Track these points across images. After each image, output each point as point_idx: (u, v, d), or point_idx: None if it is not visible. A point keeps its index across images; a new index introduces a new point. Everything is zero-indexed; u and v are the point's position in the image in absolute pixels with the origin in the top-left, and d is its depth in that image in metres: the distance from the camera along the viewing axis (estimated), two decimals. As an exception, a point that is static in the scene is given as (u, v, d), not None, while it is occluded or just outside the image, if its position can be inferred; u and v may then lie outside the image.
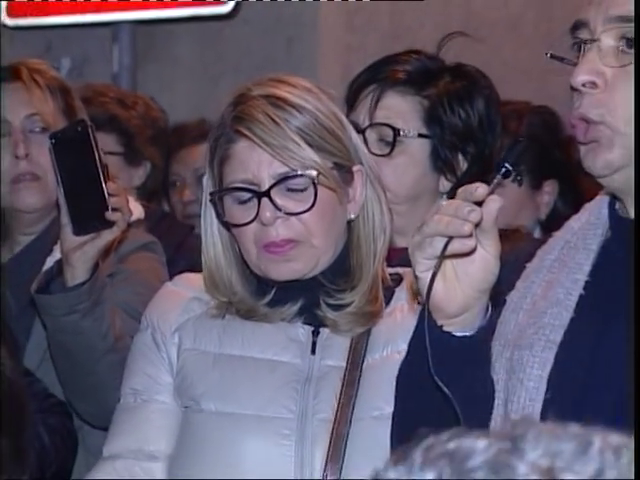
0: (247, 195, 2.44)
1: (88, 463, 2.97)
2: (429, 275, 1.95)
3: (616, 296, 2.00)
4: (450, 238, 1.93)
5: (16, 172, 3.13)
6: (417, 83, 2.83)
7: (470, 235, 1.93)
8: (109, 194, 2.82)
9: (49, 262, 3.03)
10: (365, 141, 2.77)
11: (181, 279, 2.63)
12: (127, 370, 2.59)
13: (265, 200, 2.41)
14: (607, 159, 1.97)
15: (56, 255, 3.00)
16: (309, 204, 2.42)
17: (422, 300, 2.02)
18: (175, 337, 2.52)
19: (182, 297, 2.56)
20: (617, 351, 1.96)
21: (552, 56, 2.06)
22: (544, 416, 1.95)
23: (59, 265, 2.89)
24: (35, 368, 3.00)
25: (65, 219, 2.84)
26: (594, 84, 1.96)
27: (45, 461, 2.69)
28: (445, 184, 2.84)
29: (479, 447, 1.09)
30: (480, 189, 1.94)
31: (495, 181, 1.98)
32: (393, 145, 2.79)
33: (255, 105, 2.42)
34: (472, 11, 4.96)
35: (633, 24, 1.94)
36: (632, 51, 1.94)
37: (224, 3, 4.52)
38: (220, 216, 2.49)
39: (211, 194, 2.49)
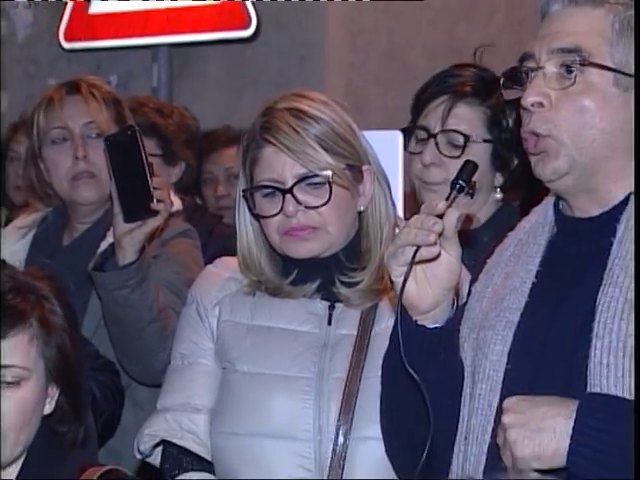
0: (273, 191, 2.43)
1: (136, 414, 3.00)
2: (402, 279, 1.96)
3: (563, 282, 1.99)
4: (418, 247, 1.95)
5: (75, 171, 3.12)
6: (481, 95, 2.80)
7: (435, 243, 1.95)
8: (154, 188, 2.82)
9: (103, 245, 3.03)
10: (436, 144, 2.79)
11: (220, 262, 2.61)
12: (176, 338, 2.59)
13: (288, 196, 2.40)
14: (554, 167, 1.96)
15: (109, 239, 2.99)
16: (325, 199, 2.41)
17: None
18: (215, 310, 2.51)
19: (221, 277, 2.55)
20: (566, 328, 1.95)
21: (503, 85, 2.06)
22: (505, 384, 1.96)
23: (112, 248, 2.90)
24: (91, 335, 2.99)
25: (117, 209, 2.85)
26: (541, 104, 1.95)
27: (96, 412, 2.68)
28: (499, 179, 2.84)
29: None
30: (440, 205, 1.96)
31: (452, 196, 1.98)
32: (463, 149, 2.77)
33: (280, 117, 2.42)
34: (455, 35, 4.95)
35: (571, 54, 1.93)
36: (571, 76, 1.93)
37: (246, 28, 4.48)
38: (251, 209, 2.48)
39: (244, 191, 2.48)
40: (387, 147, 2.67)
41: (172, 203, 2.98)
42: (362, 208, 2.48)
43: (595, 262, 1.94)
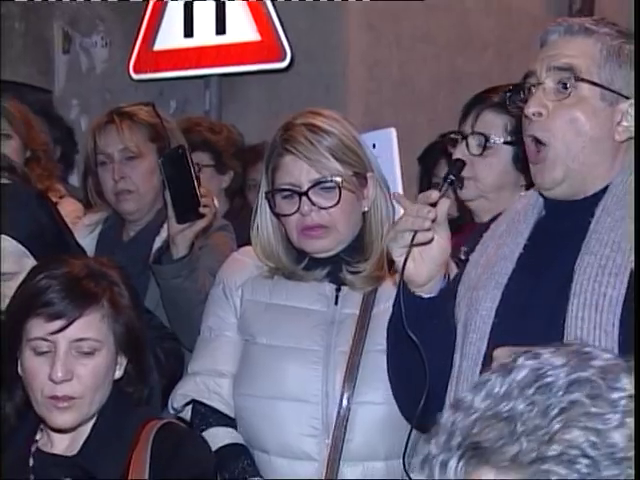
0: (291, 194, 2.42)
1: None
2: (402, 259, 2.00)
3: (547, 252, 2.00)
4: (415, 232, 1.98)
5: (116, 189, 3.13)
6: (505, 105, 2.63)
7: (429, 229, 1.99)
8: (201, 195, 2.83)
9: (157, 241, 3.05)
10: (467, 144, 2.73)
11: (244, 250, 2.61)
12: (205, 313, 2.58)
13: (304, 198, 2.40)
14: (553, 177, 1.97)
15: (162, 235, 3.01)
16: (335, 201, 2.40)
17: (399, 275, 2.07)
18: (239, 291, 2.51)
19: (244, 263, 2.54)
20: (547, 289, 1.95)
21: (509, 98, 2.10)
22: (491, 335, 1.98)
23: (167, 244, 2.90)
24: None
25: (171, 213, 2.84)
26: (540, 113, 1.96)
27: (161, 373, 2.63)
28: (523, 180, 2.73)
29: (600, 355, 1.03)
30: (433, 194, 2.00)
31: (444, 188, 2.02)
32: (484, 149, 2.72)
33: (297, 130, 2.41)
34: (455, 66, 4.94)
35: (566, 72, 1.95)
36: (565, 91, 1.95)
37: (282, 61, 4.50)
38: (272, 208, 2.47)
39: (266, 193, 2.47)
40: (385, 143, 2.67)
41: (216, 207, 2.99)
42: (366, 209, 2.47)
43: (575, 236, 1.94)
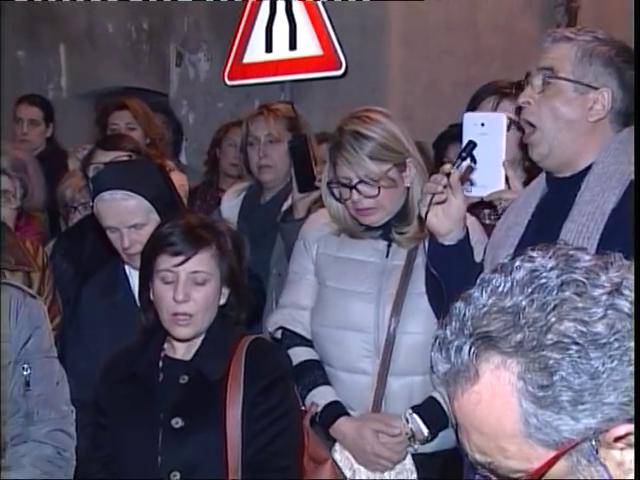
0: (345, 185, 2.34)
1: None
2: (424, 214, 1.97)
3: (545, 221, 1.92)
4: (433, 195, 1.97)
5: (260, 164, 3.09)
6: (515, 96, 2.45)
7: (442, 192, 1.96)
8: (316, 172, 2.77)
9: (285, 205, 3.04)
10: None
11: (320, 213, 2.53)
12: (291, 261, 2.53)
13: (354, 190, 2.32)
14: (539, 151, 1.90)
15: (289, 201, 3.00)
16: (376, 192, 2.31)
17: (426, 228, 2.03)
18: (315, 245, 2.45)
19: (319, 222, 2.47)
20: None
21: (515, 90, 2.00)
22: None
23: (290, 208, 2.89)
24: (276, 261, 2.92)
25: (294, 185, 2.81)
26: (529, 102, 1.89)
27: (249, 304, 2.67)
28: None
29: (585, 258, 0.97)
30: (447, 167, 1.97)
31: (457, 163, 1.96)
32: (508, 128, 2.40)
33: (345, 138, 2.29)
34: (469, 74, 4.78)
35: (547, 71, 1.87)
36: (547, 85, 1.88)
37: (339, 69, 4.42)
38: (333, 195, 2.40)
39: (328, 182, 2.40)
40: (494, 125, 2.17)
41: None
42: (408, 185, 2.36)
43: (565, 207, 1.87)
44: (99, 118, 3.92)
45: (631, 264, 0.97)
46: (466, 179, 2.09)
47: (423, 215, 1.98)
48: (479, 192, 2.17)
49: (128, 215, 2.38)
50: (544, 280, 0.93)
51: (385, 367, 2.29)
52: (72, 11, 5.85)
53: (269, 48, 4.70)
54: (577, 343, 0.90)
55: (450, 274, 1.99)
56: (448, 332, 0.96)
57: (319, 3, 4.51)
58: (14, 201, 2.92)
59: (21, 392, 1.97)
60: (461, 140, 2.08)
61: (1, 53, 5.62)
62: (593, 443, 0.91)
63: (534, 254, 0.97)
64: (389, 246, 2.38)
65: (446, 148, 3.60)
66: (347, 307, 2.32)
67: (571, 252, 0.98)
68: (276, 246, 2.94)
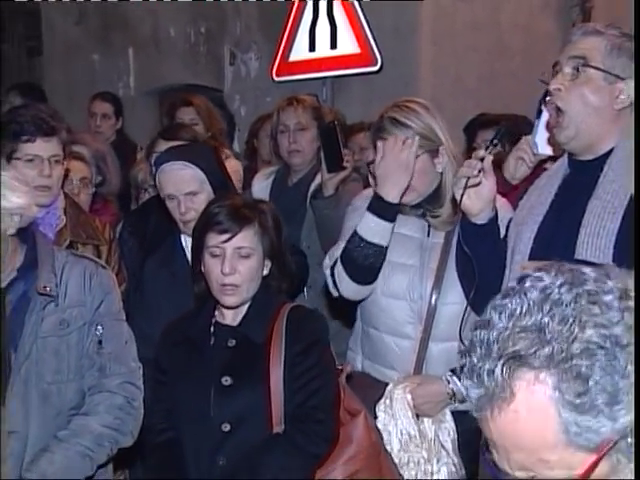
0: None
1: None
2: (460, 197, 1.91)
3: (568, 200, 1.85)
4: (468, 178, 1.89)
5: (289, 149, 3.05)
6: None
7: (477, 176, 1.89)
8: (344, 154, 2.72)
9: (312, 186, 2.99)
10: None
11: (366, 190, 2.44)
12: (343, 229, 2.40)
13: None
14: (566, 134, 1.82)
15: (316, 182, 2.93)
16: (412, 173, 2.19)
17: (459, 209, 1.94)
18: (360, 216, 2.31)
19: (364, 197, 2.33)
20: (568, 224, 1.82)
21: (541, 80, 1.92)
22: (530, 255, 1.84)
23: (320, 186, 2.82)
24: (307, 235, 2.88)
25: (324, 165, 2.74)
26: (559, 89, 1.82)
27: (292, 276, 2.56)
28: None
29: (588, 270, 0.92)
30: (481, 152, 1.90)
31: (490, 148, 1.90)
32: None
33: (386, 123, 2.21)
34: (494, 68, 4.67)
35: (578, 60, 1.78)
36: (578, 73, 1.79)
37: (375, 66, 4.39)
38: (372, 174, 2.28)
39: (369, 163, 2.32)
40: None
41: (353, 164, 2.87)
42: (440, 169, 2.26)
43: (589, 187, 1.81)
44: (167, 112, 3.90)
45: (627, 271, 0.92)
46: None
47: (458, 197, 1.91)
48: (545, 150, 2.20)
49: (184, 183, 2.37)
50: (557, 296, 0.89)
51: (427, 333, 2.23)
52: (139, 18, 5.85)
53: (312, 47, 4.65)
54: (603, 347, 0.86)
55: (480, 250, 1.93)
56: (475, 359, 0.90)
57: (357, 6, 4.44)
58: (90, 187, 3.00)
59: (95, 349, 1.97)
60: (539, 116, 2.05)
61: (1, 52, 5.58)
62: (629, 440, 0.86)
63: (541, 274, 0.92)
64: (429, 226, 2.31)
65: (475, 134, 3.56)
66: (393, 277, 2.26)
67: (573, 267, 0.93)
68: (305, 222, 2.90)
